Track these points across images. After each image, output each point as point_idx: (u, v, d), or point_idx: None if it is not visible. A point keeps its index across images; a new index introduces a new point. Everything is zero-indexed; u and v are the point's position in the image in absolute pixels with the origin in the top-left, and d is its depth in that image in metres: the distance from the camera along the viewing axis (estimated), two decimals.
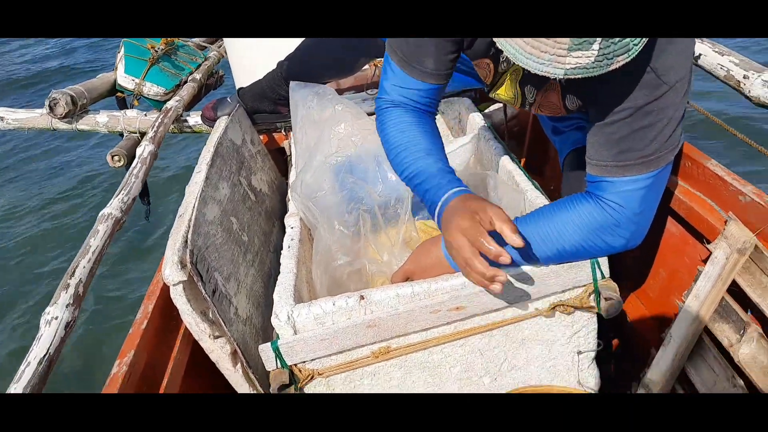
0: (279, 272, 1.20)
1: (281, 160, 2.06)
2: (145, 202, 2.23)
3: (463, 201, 1.00)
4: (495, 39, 0.80)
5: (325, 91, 1.64)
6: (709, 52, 1.41)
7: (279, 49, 1.98)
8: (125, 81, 2.16)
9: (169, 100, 2.12)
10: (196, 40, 2.79)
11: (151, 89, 2.17)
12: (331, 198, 1.28)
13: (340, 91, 2.24)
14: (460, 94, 2.02)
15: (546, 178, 2.09)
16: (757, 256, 1.00)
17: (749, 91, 1.28)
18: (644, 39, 0.77)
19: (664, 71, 0.90)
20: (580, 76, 0.78)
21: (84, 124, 1.94)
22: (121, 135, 2.04)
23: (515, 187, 1.37)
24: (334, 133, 1.45)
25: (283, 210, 1.75)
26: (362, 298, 1.10)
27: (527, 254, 1.05)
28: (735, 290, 1.05)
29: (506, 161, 1.48)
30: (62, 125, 1.92)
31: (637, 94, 0.91)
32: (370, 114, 1.98)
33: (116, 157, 1.80)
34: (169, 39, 2.35)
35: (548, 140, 1.68)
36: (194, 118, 2.01)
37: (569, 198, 1.03)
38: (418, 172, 1.09)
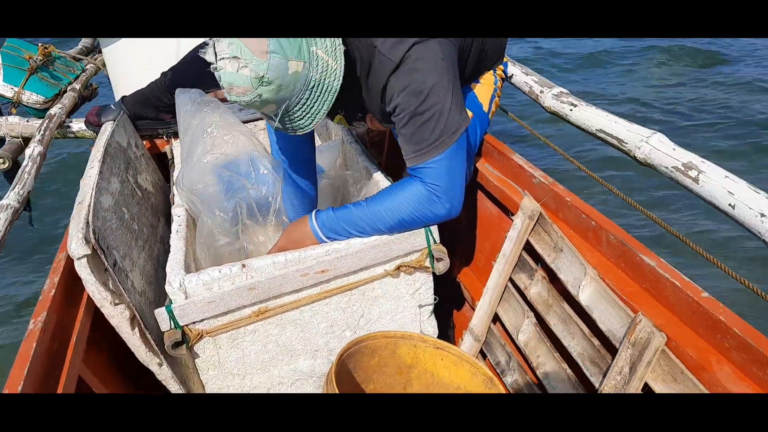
0: (166, 257, 1.40)
1: (163, 164, 2.22)
2: (27, 209, 2.30)
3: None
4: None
5: (202, 97, 1.83)
6: (518, 73, 1.80)
7: (157, 61, 2.17)
8: (4, 89, 2.22)
9: (48, 108, 2.22)
10: (71, 51, 2.87)
11: (31, 97, 2.25)
12: (211, 189, 1.50)
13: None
14: None
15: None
16: (542, 220, 1.36)
17: (543, 102, 1.67)
18: (311, 124, 1.24)
19: (417, 84, 1.24)
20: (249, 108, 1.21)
21: None
22: (2, 140, 2.11)
23: (371, 179, 1.67)
24: (208, 133, 1.66)
25: (167, 207, 1.93)
26: (244, 266, 1.33)
27: (376, 225, 1.34)
28: (528, 248, 1.41)
29: (364, 160, 1.78)
30: None
31: (407, 104, 1.25)
32: (246, 122, 2.22)
33: (0, 160, 1.90)
34: (46, 50, 2.44)
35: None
36: (77, 125, 2.13)
37: (403, 180, 1.34)
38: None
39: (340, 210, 1.36)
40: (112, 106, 2.06)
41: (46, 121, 1.97)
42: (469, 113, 1.55)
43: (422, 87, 1.23)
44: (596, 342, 1.15)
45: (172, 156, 2.15)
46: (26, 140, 2.08)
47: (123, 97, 2.07)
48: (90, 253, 1.24)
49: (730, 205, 1.08)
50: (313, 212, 1.38)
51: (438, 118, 1.24)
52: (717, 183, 1.12)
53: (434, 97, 1.24)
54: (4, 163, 1.90)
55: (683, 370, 0.96)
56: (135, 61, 2.38)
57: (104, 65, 2.77)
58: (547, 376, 1.27)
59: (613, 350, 1.10)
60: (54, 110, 2.07)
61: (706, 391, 0.92)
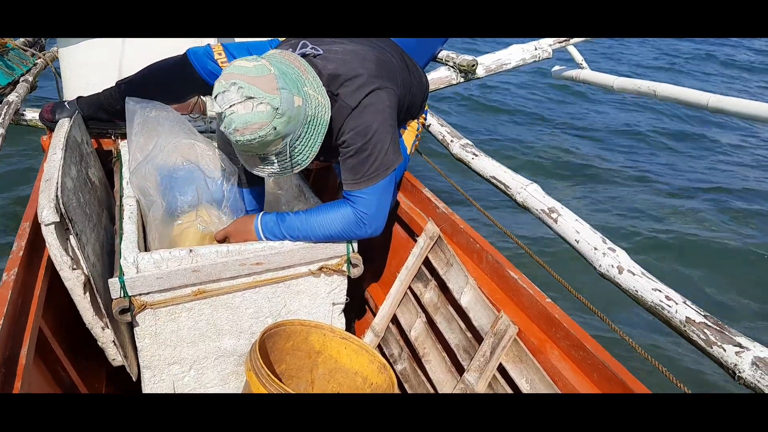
0: (108, 243, 1.62)
1: (107, 162, 2.40)
2: None
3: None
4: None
5: (158, 105, 2.04)
6: (434, 123, 2.17)
7: (107, 63, 2.38)
8: None
9: (1, 94, 2.37)
10: (20, 41, 3.00)
11: None
12: (171, 177, 1.73)
13: None
14: None
15: (326, 200, 2.74)
16: (440, 242, 1.70)
17: (452, 150, 2.04)
18: (308, 159, 1.48)
19: (365, 126, 1.52)
20: (276, 177, 1.50)
21: None
22: None
23: (303, 198, 1.95)
24: (165, 134, 1.89)
25: (108, 201, 2.12)
26: (191, 251, 1.57)
27: (308, 234, 1.61)
28: (426, 263, 1.74)
29: (297, 178, 2.06)
30: None
31: (354, 141, 1.53)
32: (202, 132, 2.46)
33: None
34: (2, 41, 2.59)
35: (329, 175, 2.33)
36: (31, 114, 2.29)
37: (337, 201, 1.63)
38: None
39: (281, 216, 1.63)
40: (66, 104, 2.22)
41: (5, 107, 2.12)
42: None
43: (368, 129, 1.51)
44: (469, 335, 1.48)
45: (118, 154, 2.34)
46: None
47: (79, 98, 2.24)
48: (58, 221, 1.45)
49: (575, 240, 1.46)
50: (261, 214, 1.64)
51: (377, 155, 1.53)
52: (569, 224, 1.50)
53: (377, 138, 1.52)
54: None
55: (527, 352, 1.30)
56: (88, 62, 2.55)
57: (52, 60, 2.93)
58: (430, 363, 1.58)
59: (481, 341, 1.43)
60: (11, 97, 2.22)
61: (541, 368, 1.26)
